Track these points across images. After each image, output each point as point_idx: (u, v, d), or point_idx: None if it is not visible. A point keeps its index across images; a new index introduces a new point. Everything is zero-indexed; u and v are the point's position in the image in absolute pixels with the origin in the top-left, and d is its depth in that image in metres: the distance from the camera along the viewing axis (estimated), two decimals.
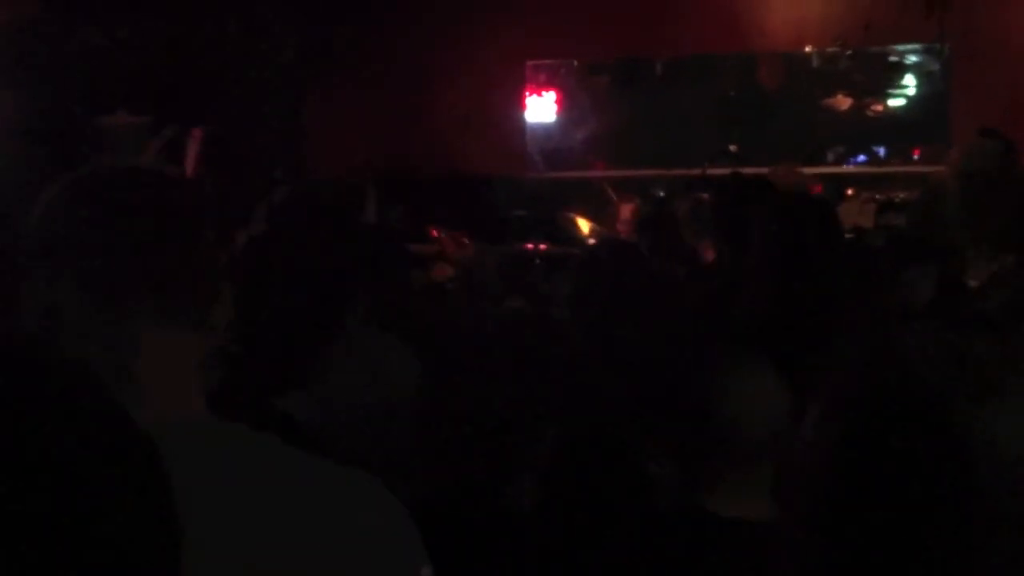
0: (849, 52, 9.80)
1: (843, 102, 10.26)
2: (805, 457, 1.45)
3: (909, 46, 9.96)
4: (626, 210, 8.29)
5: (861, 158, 10.19)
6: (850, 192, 8.96)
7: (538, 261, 7.39)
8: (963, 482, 1.30)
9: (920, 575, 1.31)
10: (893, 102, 10.29)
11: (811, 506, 1.41)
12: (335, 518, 1.60)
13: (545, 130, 10.74)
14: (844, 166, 10.03)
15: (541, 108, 10.67)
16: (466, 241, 7.73)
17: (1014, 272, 5.40)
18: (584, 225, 9.00)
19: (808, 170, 7.97)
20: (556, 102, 10.69)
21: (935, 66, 9.91)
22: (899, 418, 1.35)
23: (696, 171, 8.55)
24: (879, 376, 1.40)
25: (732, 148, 9.09)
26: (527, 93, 10.58)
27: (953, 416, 1.32)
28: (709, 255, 5.59)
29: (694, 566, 2.57)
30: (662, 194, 9.36)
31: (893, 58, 10.08)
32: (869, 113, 10.31)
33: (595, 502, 2.83)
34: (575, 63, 10.69)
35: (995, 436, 1.30)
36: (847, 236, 6.76)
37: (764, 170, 6.35)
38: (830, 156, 10.03)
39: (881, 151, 10.22)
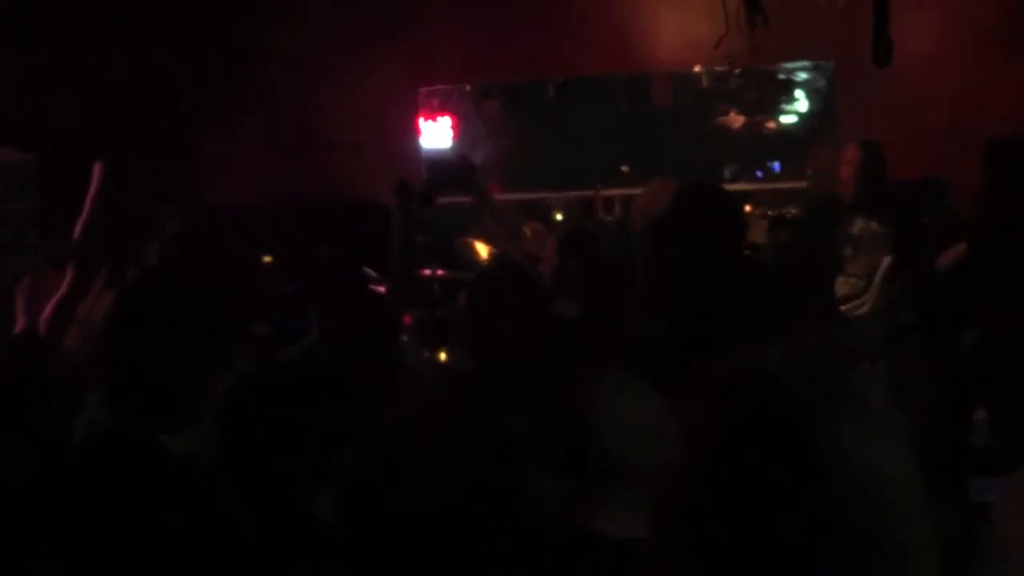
0: (738, 71, 9.93)
1: (735, 120, 10.38)
2: (674, 478, 1.47)
3: (796, 63, 10.11)
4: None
5: (757, 174, 10.31)
6: (748, 209, 9.07)
7: (436, 287, 7.40)
8: (824, 498, 1.32)
9: None
10: (785, 119, 10.41)
11: (679, 525, 1.44)
12: None
13: (440, 156, 10.75)
14: (739, 183, 10.11)
15: (436, 134, 10.68)
16: (368, 271, 7.70)
17: (892, 270, 5.59)
18: (483, 250, 9.00)
19: None
20: (451, 127, 10.70)
21: (822, 83, 10.08)
22: (758, 437, 1.37)
23: (589, 192, 8.61)
24: (738, 398, 1.43)
25: (624, 168, 9.15)
26: (421, 119, 10.60)
27: (813, 434, 1.35)
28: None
29: None
30: (559, 216, 9.43)
31: (781, 76, 10.22)
32: (762, 130, 10.43)
33: (479, 520, 2.83)
34: (468, 88, 10.72)
35: (856, 453, 1.34)
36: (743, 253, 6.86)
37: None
38: (727, 173, 10.13)
39: (776, 166, 10.34)
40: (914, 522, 1.37)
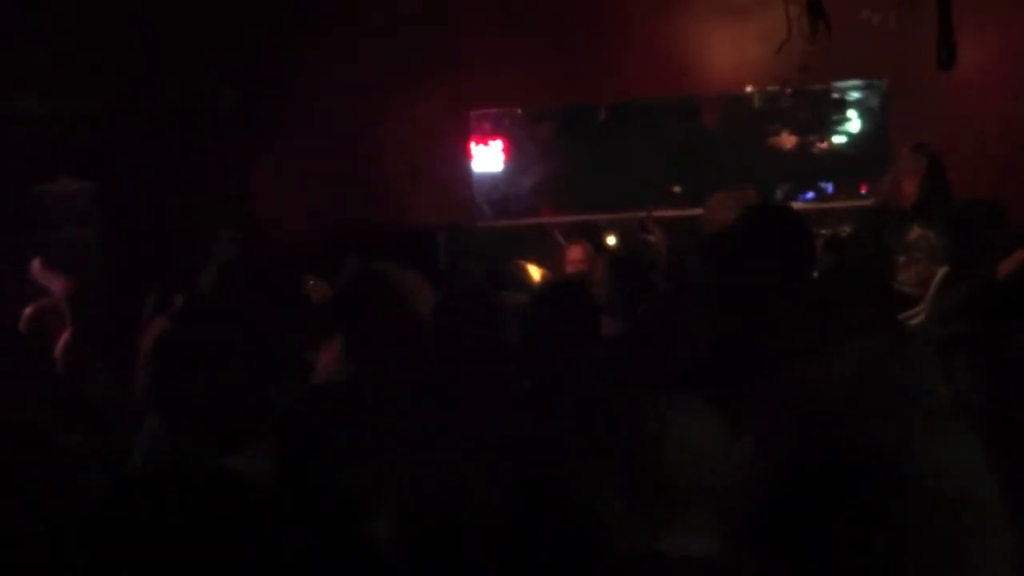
0: (789, 91, 9.89)
1: (787, 140, 10.33)
2: (741, 492, 1.45)
3: (848, 83, 10.06)
4: (575, 251, 8.31)
5: (809, 195, 10.25)
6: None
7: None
8: (893, 510, 1.30)
9: None
10: (837, 139, 10.35)
11: (749, 541, 1.42)
12: None
13: (492, 179, 10.77)
14: (792, 203, 10.04)
15: (487, 157, 10.71)
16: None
17: (947, 281, 5.51)
18: (535, 272, 8.99)
19: None
20: (502, 150, 10.72)
21: (875, 102, 10.02)
22: (824, 450, 1.35)
23: (642, 214, 8.58)
24: (802, 410, 1.41)
25: (676, 190, 9.12)
26: (473, 142, 10.63)
27: (878, 446, 1.32)
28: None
29: None
30: (611, 240, 9.41)
31: (834, 95, 10.17)
32: (814, 150, 10.38)
33: (544, 543, 2.82)
34: (519, 111, 10.73)
35: (921, 464, 1.31)
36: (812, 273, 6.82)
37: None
38: (779, 194, 10.07)
39: (828, 187, 10.28)
40: (994, 538, 1.34)
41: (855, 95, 10.19)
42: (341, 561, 2.72)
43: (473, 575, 2.84)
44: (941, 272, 5.78)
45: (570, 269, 8.33)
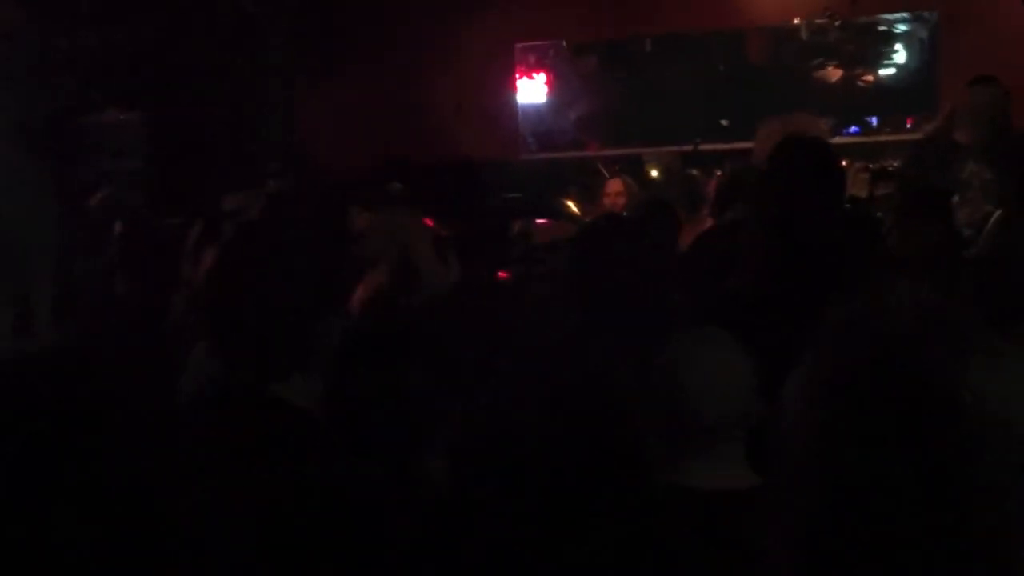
0: (838, 23, 9.78)
1: (833, 73, 10.23)
2: (795, 424, 1.45)
3: (897, 15, 9.94)
4: (614, 184, 8.28)
5: (854, 129, 10.17)
6: (844, 163, 8.89)
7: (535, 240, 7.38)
8: (953, 440, 1.30)
9: (912, 536, 1.31)
10: (884, 72, 10.24)
11: (801, 473, 1.42)
12: None
13: (537, 112, 10.75)
14: (837, 137, 9.96)
15: (532, 90, 10.69)
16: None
17: (1001, 224, 5.38)
18: (575, 207, 9.01)
19: None
20: (547, 83, 10.69)
21: (924, 34, 9.90)
22: (885, 382, 1.35)
23: (688, 147, 8.55)
24: (862, 342, 1.41)
25: (723, 123, 9.06)
26: (518, 75, 10.60)
27: (938, 376, 1.32)
28: None
29: (676, 539, 2.58)
30: (654, 172, 9.38)
31: (882, 27, 10.06)
32: (860, 84, 10.28)
33: (588, 477, 2.82)
34: (564, 44, 10.68)
35: (982, 395, 1.31)
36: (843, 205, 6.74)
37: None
38: (823, 127, 9.98)
39: (874, 121, 10.20)
40: None
41: (903, 27, 10.07)
42: (389, 495, 2.74)
43: (520, 515, 2.85)
44: (996, 214, 5.61)
45: (607, 202, 8.30)
